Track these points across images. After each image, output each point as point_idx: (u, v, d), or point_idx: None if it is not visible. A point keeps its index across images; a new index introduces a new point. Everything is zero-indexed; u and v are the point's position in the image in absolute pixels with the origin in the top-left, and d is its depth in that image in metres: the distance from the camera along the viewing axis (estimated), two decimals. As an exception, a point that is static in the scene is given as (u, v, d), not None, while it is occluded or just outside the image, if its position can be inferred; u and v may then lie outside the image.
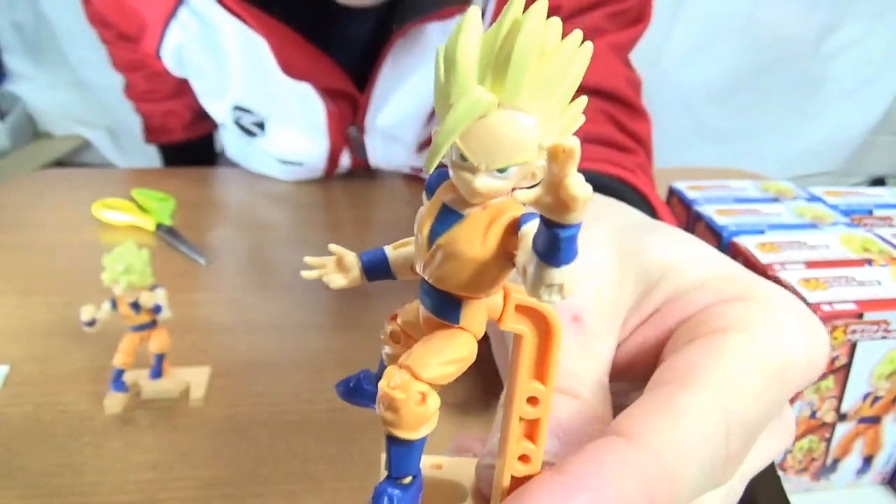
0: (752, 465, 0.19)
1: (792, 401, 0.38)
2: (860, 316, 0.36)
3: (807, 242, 0.43)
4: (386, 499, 0.15)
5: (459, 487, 0.19)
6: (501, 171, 0.14)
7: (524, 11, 0.13)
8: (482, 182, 0.14)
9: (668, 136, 0.64)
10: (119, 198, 0.68)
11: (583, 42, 0.14)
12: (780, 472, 0.37)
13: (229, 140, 0.81)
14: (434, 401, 0.15)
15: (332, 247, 0.19)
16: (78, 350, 0.48)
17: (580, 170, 0.13)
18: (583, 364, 0.19)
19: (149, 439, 0.41)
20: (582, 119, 0.14)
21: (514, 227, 0.14)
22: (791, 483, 0.40)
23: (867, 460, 0.41)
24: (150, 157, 0.97)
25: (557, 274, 0.13)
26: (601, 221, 0.23)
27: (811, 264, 0.40)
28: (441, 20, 0.64)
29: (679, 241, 0.22)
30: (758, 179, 0.57)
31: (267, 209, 0.74)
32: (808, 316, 0.19)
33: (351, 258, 0.19)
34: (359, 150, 0.76)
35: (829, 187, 0.54)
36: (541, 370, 0.16)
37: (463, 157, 0.14)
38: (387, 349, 0.19)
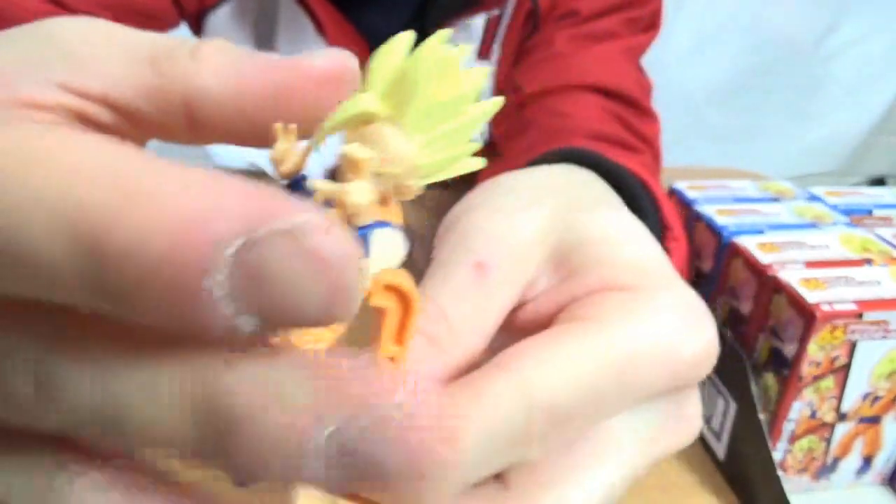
0: (640, 460, 0.19)
1: (791, 401, 0.38)
2: (860, 316, 0.36)
3: (807, 242, 0.43)
4: None
5: None
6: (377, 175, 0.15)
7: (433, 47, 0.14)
8: (354, 184, 0.15)
9: (668, 136, 0.64)
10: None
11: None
12: (780, 472, 0.37)
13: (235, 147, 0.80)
14: None
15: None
16: (78, 350, 0.48)
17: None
18: (473, 312, 0.20)
19: (149, 439, 0.41)
20: (470, 168, 0.15)
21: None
22: (791, 483, 0.40)
23: (867, 460, 0.41)
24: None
25: None
26: (549, 192, 0.23)
27: (811, 264, 0.40)
28: (475, 14, 0.64)
29: (616, 220, 0.22)
30: (758, 179, 0.57)
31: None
32: (692, 318, 0.19)
33: (300, 161, 0.17)
34: None
35: (829, 187, 0.54)
36: (400, 336, 0.17)
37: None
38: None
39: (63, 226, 0.10)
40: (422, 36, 0.14)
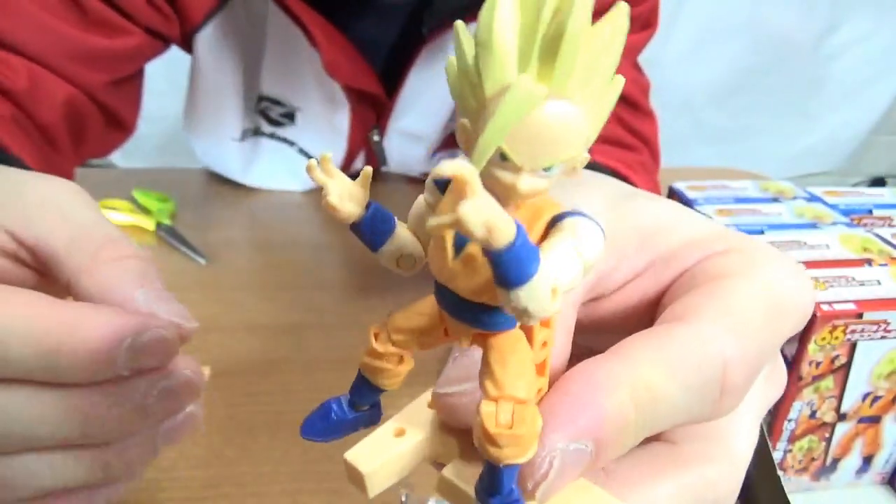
0: (758, 406, 0.20)
1: (791, 401, 0.38)
2: (860, 316, 0.36)
3: (806, 242, 0.43)
4: None
5: (428, 443, 0.18)
6: (546, 169, 0.12)
7: None
8: (526, 183, 0.12)
9: (668, 136, 0.64)
10: (119, 198, 0.68)
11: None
12: (780, 472, 0.37)
13: (229, 158, 0.75)
14: (539, 415, 0.14)
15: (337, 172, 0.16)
16: (78, 350, 0.48)
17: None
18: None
19: (149, 439, 0.41)
20: (615, 99, 0.13)
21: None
22: (791, 483, 0.40)
23: (867, 460, 0.41)
24: (150, 157, 0.97)
25: (513, 297, 0.12)
26: (587, 186, 0.24)
27: (811, 264, 0.40)
28: (472, 21, 0.64)
29: (663, 204, 0.23)
30: (758, 179, 0.57)
31: (268, 209, 0.74)
32: (794, 265, 0.20)
33: (360, 194, 0.16)
34: (379, 157, 0.75)
35: (829, 187, 0.54)
36: (541, 370, 0.16)
37: (503, 156, 0.12)
38: (369, 360, 0.17)
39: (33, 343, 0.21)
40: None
